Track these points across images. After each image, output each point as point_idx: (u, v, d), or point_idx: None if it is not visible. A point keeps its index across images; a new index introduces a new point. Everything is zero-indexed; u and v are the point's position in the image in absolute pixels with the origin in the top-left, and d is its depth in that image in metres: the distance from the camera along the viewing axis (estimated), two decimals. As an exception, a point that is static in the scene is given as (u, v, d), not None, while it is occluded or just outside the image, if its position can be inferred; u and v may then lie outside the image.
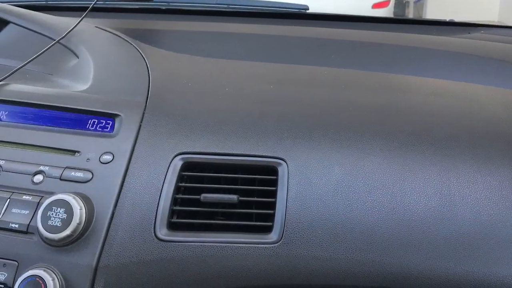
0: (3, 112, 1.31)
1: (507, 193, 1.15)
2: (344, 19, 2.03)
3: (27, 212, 1.15)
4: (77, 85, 1.40)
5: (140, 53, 1.53)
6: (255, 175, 1.20)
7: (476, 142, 1.23)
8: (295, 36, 1.80)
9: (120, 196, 1.17)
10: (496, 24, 2.19)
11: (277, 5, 2.09)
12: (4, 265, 1.12)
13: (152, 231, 1.13)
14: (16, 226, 1.14)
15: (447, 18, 2.15)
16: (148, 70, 1.44)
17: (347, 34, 1.82)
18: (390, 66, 1.59)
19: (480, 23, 2.06)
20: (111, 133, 1.26)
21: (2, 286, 1.11)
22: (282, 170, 1.19)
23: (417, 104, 1.35)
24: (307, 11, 2.07)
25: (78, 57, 1.53)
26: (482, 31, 1.94)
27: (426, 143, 1.22)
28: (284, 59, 1.60)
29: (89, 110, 1.30)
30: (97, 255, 1.12)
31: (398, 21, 2.11)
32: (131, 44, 1.60)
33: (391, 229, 1.12)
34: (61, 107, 1.30)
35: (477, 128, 1.28)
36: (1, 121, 1.31)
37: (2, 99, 1.33)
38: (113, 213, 1.15)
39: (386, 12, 6.08)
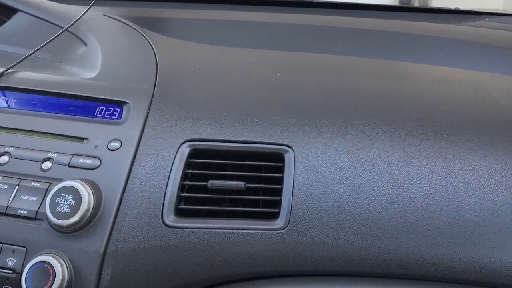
0: (12, 100, 1.31)
1: None
2: (350, 7, 2.02)
3: (35, 198, 1.15)
4: (85, 72, 1.40)
5: (148, 41, 1.53)
6: (262, 162, 1.19)
7: (481, 129, 1.22)
8: (302, 24, 1.79)
9: (128, 182, 1.16)
10: (501, 12, 2.17)
11: (284, -7, 2.08)
12: (13, 251, 1.12)
13: (160, 218, 1.13)
14: (25, 212, 1.14)
15: (452, 6, 2.14)
16: (155, 58, 1.43)
17: (353, 22, 1.81)
18: (395, 54, 1.58)
19: (485, 11, 2.05)
20: (119, 120, 1.26)
21: (11, 272, 1.11)
22: (289, 157, 1.18)
23: (423, 92, 1.35)
24: (313, -1, 2.07)
25: (86, 45, 1.53)
26: (487, 19, 1.93)
27: (431, 130, 1.21)
28: (291, 47, 1.59)
29: (97, 98, 1.29)
30: (105, 241, 1.12)
31: (403, 9, 2.10)
32: (139, 32, 1.59)
33: (397, 215, 1.12)
34: (70, 94, 1.30)
35: (482, 115, 1.27)
36: (10, 108, 1.31)
37: (11, 87, 1.33)
38: (121, 200, 1.15)
39: (392, 0, 6.05)
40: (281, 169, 1.18)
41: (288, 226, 1.12)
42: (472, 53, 1.61)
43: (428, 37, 1.69)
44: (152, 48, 1.48)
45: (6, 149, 1.22)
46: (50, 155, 1.20)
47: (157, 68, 1.39)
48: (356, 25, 1.78)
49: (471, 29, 1.82)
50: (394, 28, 1.76)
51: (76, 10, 1.61)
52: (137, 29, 1.60)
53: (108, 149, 1.20)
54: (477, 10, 2.05)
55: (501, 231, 1.10)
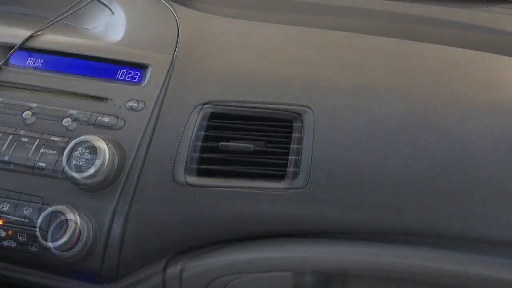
0: (39, 60, 1.32)
1: None
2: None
3: (54, 152, 1.15)
4: (110, 39, 1.40)
5: (172, 12, 1.52)
6: (281, 122, 1.19)
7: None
8: (321, 3, 1.77)
9: (144, 141, 1.17)
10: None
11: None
12: (30, 201, 1.13)
13: (183, 177, 1.13)
14: (43, 165, 1.14)
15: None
16: (178, 27, 1.43)
17: (370, 3, 1.79)
18: (410, 34, 1.56)
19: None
20: (139, 83, 1.26)
21: (27, 220, 1.11)
22: (308, 118, 1.17)
23: (435, 70, 1.33)
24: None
25: (113, 13, 1.52)
26: (500, 6, 1.90)
27: (447, 92, 1.21)
28: (309, 23, 1.58)
29: (119, 60, 1.30)
30: (129, 200, 1.12)
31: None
32: (165, 3, 1.59)
33: (413, 175, 1.10)
34: (93, 56, 1.31)
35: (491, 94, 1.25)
36: (36, 68, 1.31)
37: (38, 48, 1.34)
38: (136, 157, 1.15)
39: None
40: (300, 129, 1.17)
41: (308, 185, 1.11)
42: (482, 36, 1.59)
43: (441, 20, 1.67)
44: (176, 19, 1.48)
45: (30, 105, 1.23)
46: (71, 112, 1.21)
47: (178, 36, 1.38)
48: (374, 6, 1.75)
49: (484, 14, 1.79)
50: (409, 10, 1.74)
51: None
52: (163, 1, 1.60)
53: (127, 109, 1.20)
54: (491, -3, 2.01)
55: None
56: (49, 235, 1.07)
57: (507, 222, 1.07)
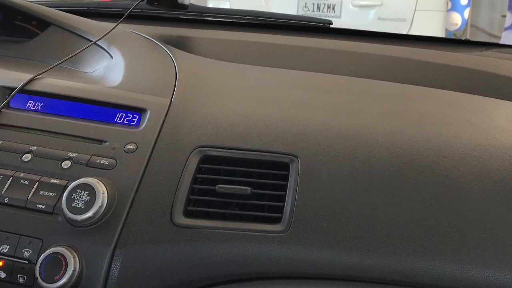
0: (39, 104, 1.34)
1: None
2: (364, 35, 2.03)
3: (53, 194, 1.17)
4: (108, 82, 1.43)
5: (170, 56, 1.55)
6: (268, 169, 1.20)
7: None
8: (317, 47, 1.79)
9: (141, 183, 1.18)
10: (509, 44, 2.18)
11: (303, 19, 2.08)
12: (30, 242, 1.13)
13: (169, 217, 1.14)
14: (43, 207, 1.16)
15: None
16: (176, 72, 1.45)
17: (366, 47, 1.82)
18: (405, 78, 1.58)
19: (494, 42, 2.04)
20: (137, 126, 1.28)
21: (27, 262, 1.12)
22: (294, 166, 1.19)
23: (429, 113, 1.35)
24: (331, 25, 2.07)
25: (112, 57, 1.55)
26: (494, 50, 1.93)
27: (442, 135, 1.24)
28: (305, 67, 1.60)
29: (117, 104, 1.32)
30: (116, 237, 1.12)
31: (416, 38, 2.09)
32: (163, 47, 1.61)
33: (407, 218, 1.12)
34: (92, 100, 1.33)
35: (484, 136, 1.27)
36: (36, 112, 1.33)
37: (39, 91, 1.36)
38: (133, 199, 1.16)
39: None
40: (286, 177, 1.19)
41: (289, 230, 1.12)
42: (477, 80, 1.61)
43: (435, 63, 1.69)
44: (174, 62, 1.50)
45: (30, 148, 1.24)
46: (70, 154, 1.22)
47: (176, 81, 1.41)
48: (369, 50, 1.78)
49: (478, 58, 1.81)
50: (405, 54, 1.76)
51: (105, 26, 1.64)
52: (161, 45, 1.63)
53: (125, 151, 1.22)
54: (485, 41, 2.04)
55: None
56: (37, 267, 1.08)
57: (501, 265, 1.07)
